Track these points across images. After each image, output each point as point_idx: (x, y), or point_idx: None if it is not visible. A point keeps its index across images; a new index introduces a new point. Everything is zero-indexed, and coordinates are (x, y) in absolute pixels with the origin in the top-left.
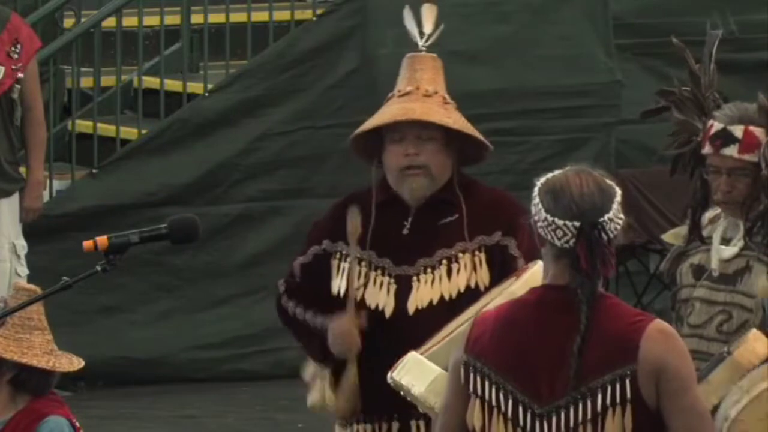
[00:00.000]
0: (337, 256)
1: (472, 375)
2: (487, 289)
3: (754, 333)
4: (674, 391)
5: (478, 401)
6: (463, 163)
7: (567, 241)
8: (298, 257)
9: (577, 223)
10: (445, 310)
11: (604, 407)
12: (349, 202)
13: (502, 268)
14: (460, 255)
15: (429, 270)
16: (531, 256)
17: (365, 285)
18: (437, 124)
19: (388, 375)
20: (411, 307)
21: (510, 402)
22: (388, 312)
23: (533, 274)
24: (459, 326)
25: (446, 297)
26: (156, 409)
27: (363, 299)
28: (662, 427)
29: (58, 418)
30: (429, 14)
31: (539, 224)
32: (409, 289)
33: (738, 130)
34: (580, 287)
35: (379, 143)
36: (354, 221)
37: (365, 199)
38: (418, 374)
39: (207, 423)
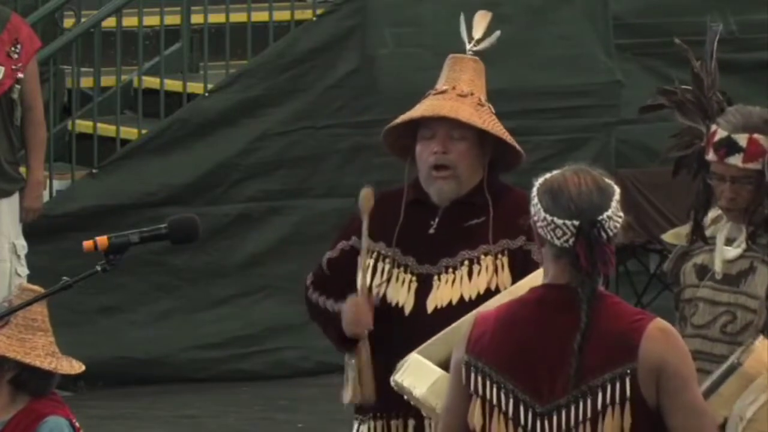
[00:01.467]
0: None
1: (473, 375)
2: None
3: (762, 342)
4: (674, 389)
5: (478, 401)
6: (501, 169)
7: (566, 241)
8: (327, 252)
9: (576, 222)
10: (463, 311)
11: (604, 406)
12: (380, 200)
13: (523, 273)
14: (483, 257)
15: (451, 270)
16: None
17: (388, 281)
18: (468, 124)
19: (391, 378)
20: (430, 306)
21: (511, 401)
22: (408, 310)
23: (536, 276)
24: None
25: (466, 298)
26: (156, 409)
27: (385, 296)
28: (662, 426)
29: (58, 419)
30: (481, 20)
31: (538, 224)
32: (430, 287)
33: (742, 139)
34: (580, 286)
35: (413, 140)
36: (366, 193)
37: (395, 197)
38: (419, 376)
39: (207, 423)
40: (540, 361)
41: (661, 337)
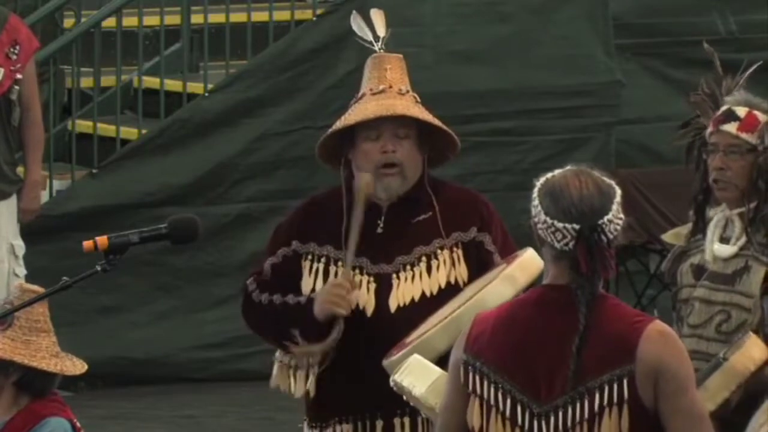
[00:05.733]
0: (309, 257)
1: (471, 374)
2: (466, 285)
3: (750, 337)
4: (672, 392)
5: (477, 400)
6: (430, 165)
7: (566, 244)
8: (268, 258)
9: (576, 226)
10: (426, 307)
11: (602, 407)
12: (312, 206)
13: (478, 264)
14: (439, 251)
15: (408, 267)
16: (505, 251)
17: None
18: (411, 122)
19: (391, 377)
20: (392, 305)
21: (509, 401)
22: (370, 311)
23: (528, 258)
24: (451, 313)
25: (427, 293)
26: (156, 409)
27: None
28: (659, 429)
29: (59, 420)
30: (379, 19)
31: (539, 226)
32: (389, 287)
33: (741, 111)
34: (579, 289)
35: (343, 145)
36: (368, 179)
37: (329, 201)
38: (419, 375)
39: (207, 423)
40: (538, 361)
41: (659, 339)
